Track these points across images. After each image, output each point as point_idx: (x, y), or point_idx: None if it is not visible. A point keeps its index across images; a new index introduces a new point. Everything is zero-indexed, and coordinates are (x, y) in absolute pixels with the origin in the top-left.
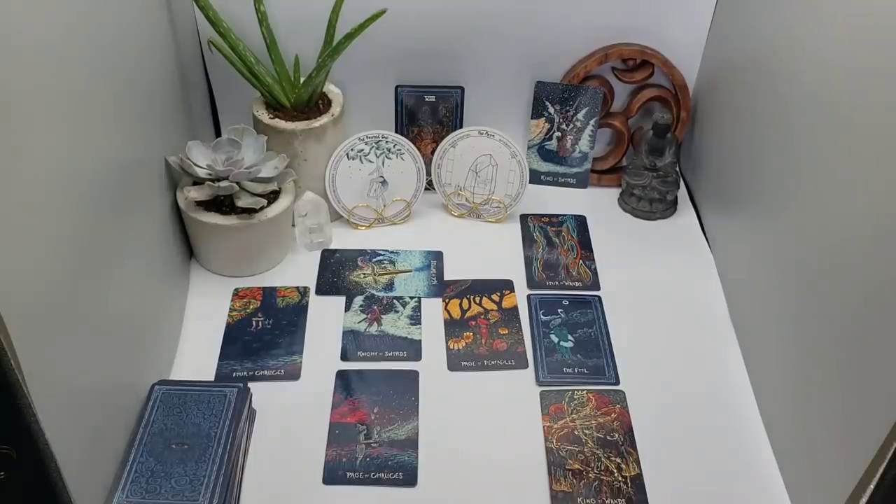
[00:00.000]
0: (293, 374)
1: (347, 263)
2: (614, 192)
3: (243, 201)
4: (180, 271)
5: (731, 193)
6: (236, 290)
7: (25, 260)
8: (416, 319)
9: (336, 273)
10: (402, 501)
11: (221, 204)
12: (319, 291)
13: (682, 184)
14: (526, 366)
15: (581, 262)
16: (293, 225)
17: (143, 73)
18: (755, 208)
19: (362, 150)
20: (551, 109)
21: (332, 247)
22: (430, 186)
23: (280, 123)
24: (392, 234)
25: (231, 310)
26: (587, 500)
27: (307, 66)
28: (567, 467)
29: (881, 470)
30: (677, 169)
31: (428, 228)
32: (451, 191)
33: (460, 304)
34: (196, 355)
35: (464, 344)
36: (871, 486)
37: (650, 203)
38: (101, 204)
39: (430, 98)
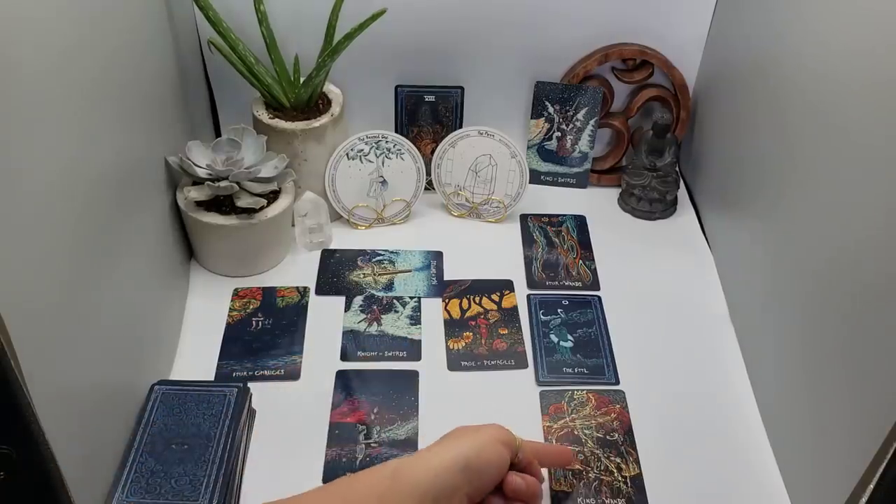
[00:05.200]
0: (293, 374)
1: (347, 263)
2: (614, 192)
3: (243, 201)
4: (180, 271)
5: (731, 193)
6: (236, 290)
7: (26, 260)
8: (415, 319)
9: (336, 273)
10: None
11: (221, 204)
12: (319, 291)
13: (682, 184)
14: (526, 366)
15: (581, 262)
16: (293, 225)
17: (143, 73)
18: (755, 208)
19: (362, 150)
20: (551, 109)
21: (332, 247)
22: (429, 186)
23: (280, 123)
24: (392, 234)
25: (231, 310)
26: (587, 500)
27: (307, 66)
28: (567, 467)
29: (881, 470)
30: (677, 169)
31: (428, 228)
32: (451, 191)
33: (460, 304)
34: (196, 355)
35: (464, 344)
36: (871, 486)
37: (650, 203)
38: (100, 204)
39: (430, 98)
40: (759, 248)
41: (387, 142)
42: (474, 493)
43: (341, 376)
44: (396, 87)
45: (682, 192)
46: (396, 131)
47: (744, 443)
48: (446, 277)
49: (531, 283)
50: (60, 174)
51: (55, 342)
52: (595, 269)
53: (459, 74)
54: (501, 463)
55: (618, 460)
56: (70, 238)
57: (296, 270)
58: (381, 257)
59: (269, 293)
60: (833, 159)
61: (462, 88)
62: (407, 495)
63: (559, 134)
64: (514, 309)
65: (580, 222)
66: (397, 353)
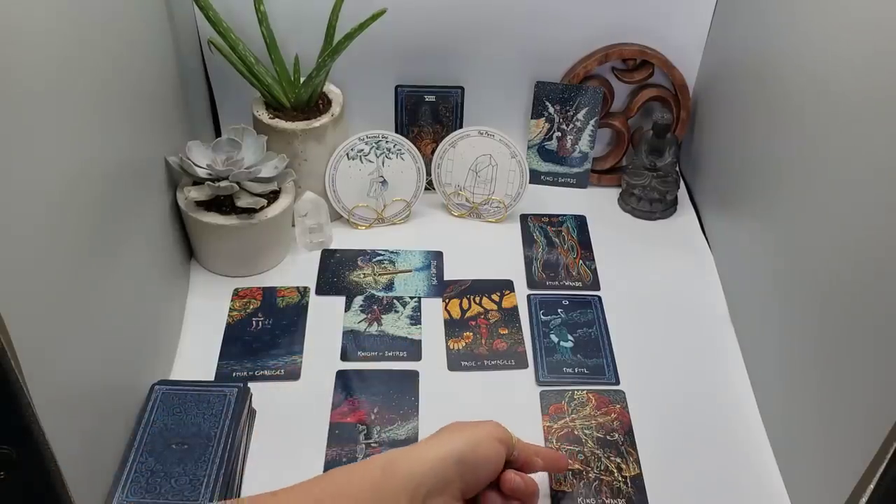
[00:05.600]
0: (293, 374)
1: (347, 263)
2: (614, 192)
3: (243, 201)
4: (180, 271)
5: (731, 193)
6: (236, 290)
7: (26, 260)
8: (416, 319)
9: (336, 273)
10: None
11: (221, 204)
12: (319, 291)
13: (682, 184)
14: (526, 366)
15: (581, 262)
16: (293, 225)
17: (144, 74)
18: (755, 208)
19: (362, 150)
20: (551, 109)
21: (332, 247)
22: (430, 186)
23: (280, 123)
24: (392, 234)
25: (231, 310)
26: (587, 500)
27: (307, 66)
28: (567, 467)
29: (881, 470)
30: (677, 169)
31: (428, 228)
32: (451, 191)
33: (460, 304)
34: (196, 355)
35: (464, 344)
36: (871, 486)
37: (650, 203)
38: (101, 204)
39: (430, 98)
40: (759, 248)
41: (387, 142)
42: (467, 489)
43: (341, 376)
44: (396, 87)
45: (682, 192)
46: (396, 131)
47: (744, 443)
48: (446, 277)
49: (531, 283)
50: (60, 175)
51: (55, 342)
52: (595, 269)
53: (459, 74)
54: (497, 459)
55: (618, 460)
56: (70, 238)
57: (296, 270)
58: (381, 257)
59: (269, 293)
60: (833, 159)
61: (462, 88)
62: (401, 487)
63: (559, 134)
64: (515, 309)
65: (580, 222)
66: (397, 353)
